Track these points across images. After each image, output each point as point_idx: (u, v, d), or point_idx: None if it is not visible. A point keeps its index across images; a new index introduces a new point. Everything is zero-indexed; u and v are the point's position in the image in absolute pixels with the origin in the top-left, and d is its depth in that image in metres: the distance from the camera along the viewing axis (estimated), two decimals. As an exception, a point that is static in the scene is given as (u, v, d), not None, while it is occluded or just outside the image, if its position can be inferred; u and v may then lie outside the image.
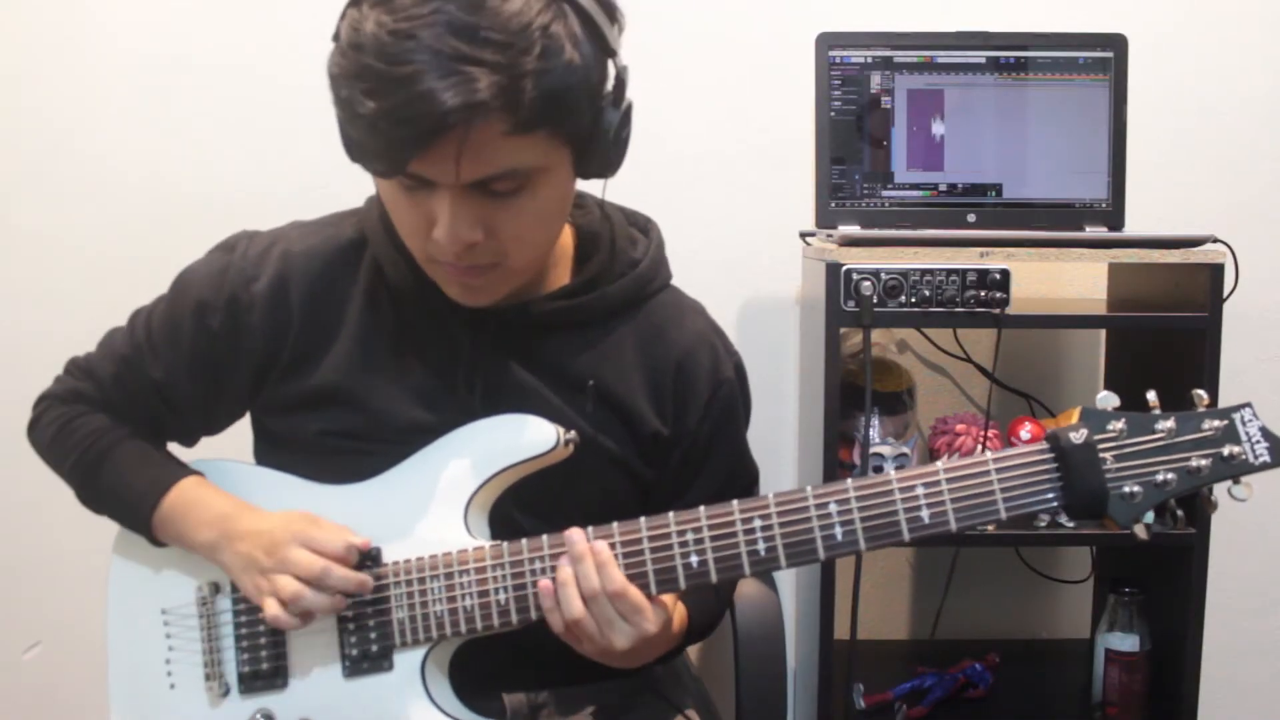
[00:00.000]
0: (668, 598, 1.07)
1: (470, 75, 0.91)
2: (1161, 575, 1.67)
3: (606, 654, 1.03)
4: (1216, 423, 0.97)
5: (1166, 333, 1.66)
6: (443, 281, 1.08)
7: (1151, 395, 0.99)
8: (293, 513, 1.10)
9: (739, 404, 1.24)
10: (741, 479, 1.25)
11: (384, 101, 0.91)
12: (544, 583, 1.03)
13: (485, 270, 1.05)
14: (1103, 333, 1.99)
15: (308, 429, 1.14)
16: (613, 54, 1.02)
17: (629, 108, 1.05)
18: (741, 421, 1.25)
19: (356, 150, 0.99)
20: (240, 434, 1.23)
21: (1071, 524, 1.59)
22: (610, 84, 1.03)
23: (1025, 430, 1.63)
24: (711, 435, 1.21)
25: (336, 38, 0.98)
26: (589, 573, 1.01)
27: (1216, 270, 1.54)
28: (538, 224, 1.05)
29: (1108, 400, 0.99)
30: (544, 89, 0.94)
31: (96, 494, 1.18)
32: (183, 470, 1.17)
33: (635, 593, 1.02)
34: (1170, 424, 0.97)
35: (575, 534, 1.03)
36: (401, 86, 0.91)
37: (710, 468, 1.21)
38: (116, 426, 1.19)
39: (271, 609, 1.05)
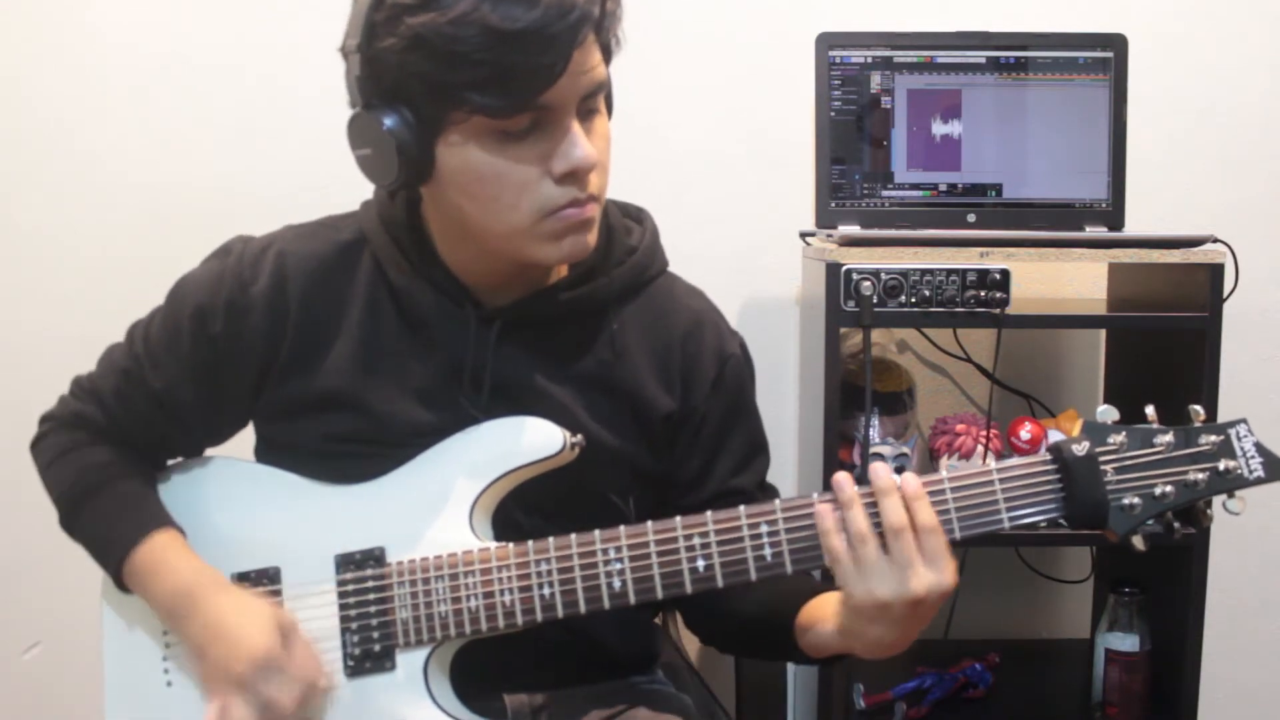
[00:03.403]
0: None
1: None
2: (1161, 575, 1.67)
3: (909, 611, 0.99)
4: (1213, 438, 0.98)
5: (1166, 333, 1.66)
6: (551, 240, 1.05)
7: (1150, 410, 1.00)
8: (264, 619, 1.04)
9: (748, 380, 1.25)
10: (763, 456, 1.25)
11: (536, 8, 0.93)
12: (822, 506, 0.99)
13: (598, 203, 1.06)
14: (1103, 333, 1.99)
15: (311, 433, 1.14)
16: None
17: None
18: (754, 397, 1.26)
19: (494, 86, 0.95)
20: (240, 435, 1.23)
21: (1072, 524, 1.59)
22: None
23: (1025, 430, 1.63)
24: (725, 412, 1.21)
25: (396, 12, 0.95)
26: (894, 506, 0.96)
27: (1216, 270, 1.55)
28: (609, 151, 1.08)
29: (1108, 414, 0.99)
30: None
31: (79, 530, 1.17)
32: (155, 524, 1.12)
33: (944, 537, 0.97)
34: (1169, 438, 0.98)
35: (878, 466, 0.99)
36: None
37: (730, 446, 1.21)
38: (110, 463, 1.16)
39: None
